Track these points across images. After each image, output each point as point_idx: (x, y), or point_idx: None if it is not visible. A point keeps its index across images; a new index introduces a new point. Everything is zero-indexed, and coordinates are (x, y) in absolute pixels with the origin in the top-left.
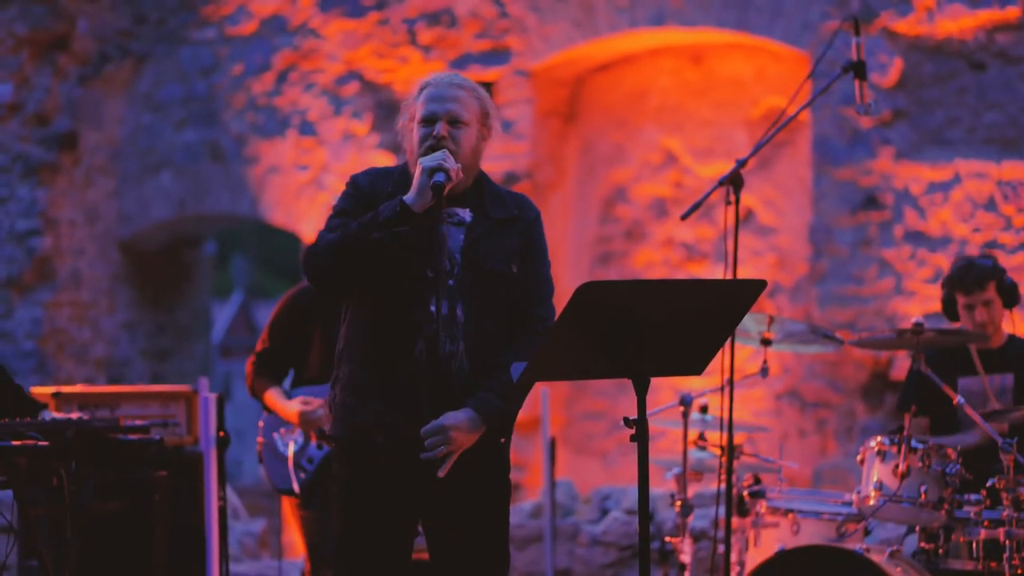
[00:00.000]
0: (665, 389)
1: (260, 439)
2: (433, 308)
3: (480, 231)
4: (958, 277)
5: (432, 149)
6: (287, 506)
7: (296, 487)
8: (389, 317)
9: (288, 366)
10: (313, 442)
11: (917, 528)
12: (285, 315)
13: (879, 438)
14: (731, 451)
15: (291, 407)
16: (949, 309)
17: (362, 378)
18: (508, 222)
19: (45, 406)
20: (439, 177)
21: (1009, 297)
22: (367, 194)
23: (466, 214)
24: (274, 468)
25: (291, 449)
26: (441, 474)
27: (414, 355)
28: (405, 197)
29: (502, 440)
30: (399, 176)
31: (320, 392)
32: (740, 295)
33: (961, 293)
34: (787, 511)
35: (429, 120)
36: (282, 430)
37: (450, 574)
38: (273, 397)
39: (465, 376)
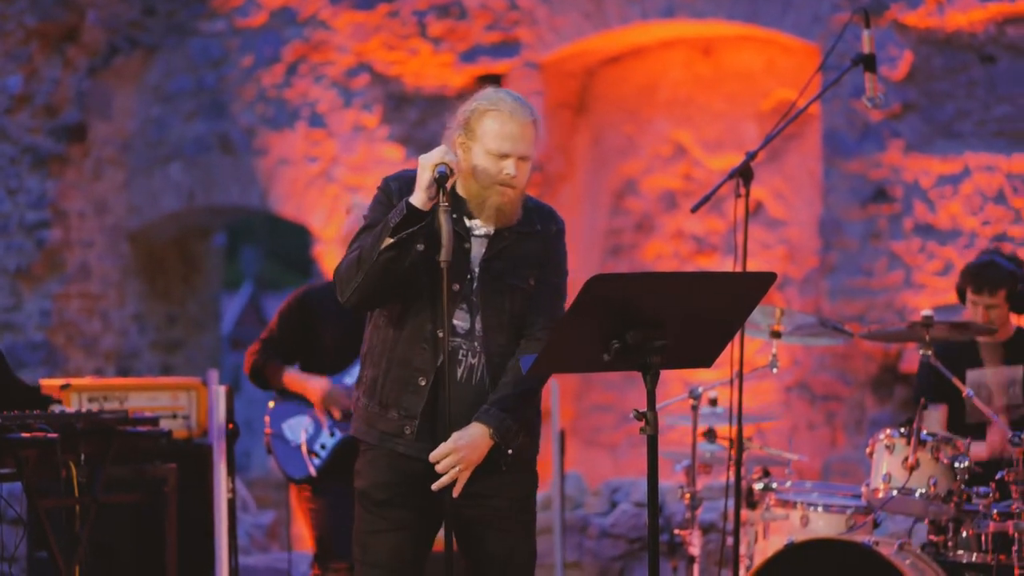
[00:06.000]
0: (675, 382)
1: (268, 430)
2: (455, 322)
3: (501, 244)
4: (973, 273)
5: (503, 184)
6: (295, 498)
7: (313, 471)
8: (413, 330)
9: (295, 357)
10: (324, 429)
11: (926, 521)
12: (294, 311)
13: (888, 431)
14: (740, 444)
15: (317, 382)
16: (962, 296)
17: (383, 387)
18: (529, 235)
19: (59, 401)
20: (441, 170)
21: (1018, 304)
22: (397, 201)
23: (488, 227)
24: (286, 457)
25: (303, 436)
26: (456, 493)
27: (436, 369)
28: (409, 198)
29: (509, 452)
30: None
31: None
32: (750, 288)
33: (971, 290)
34: (796, 504)
35: (501, 155)
36: (290, 421)
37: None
38: (294, 375)
39: (485, 390)
